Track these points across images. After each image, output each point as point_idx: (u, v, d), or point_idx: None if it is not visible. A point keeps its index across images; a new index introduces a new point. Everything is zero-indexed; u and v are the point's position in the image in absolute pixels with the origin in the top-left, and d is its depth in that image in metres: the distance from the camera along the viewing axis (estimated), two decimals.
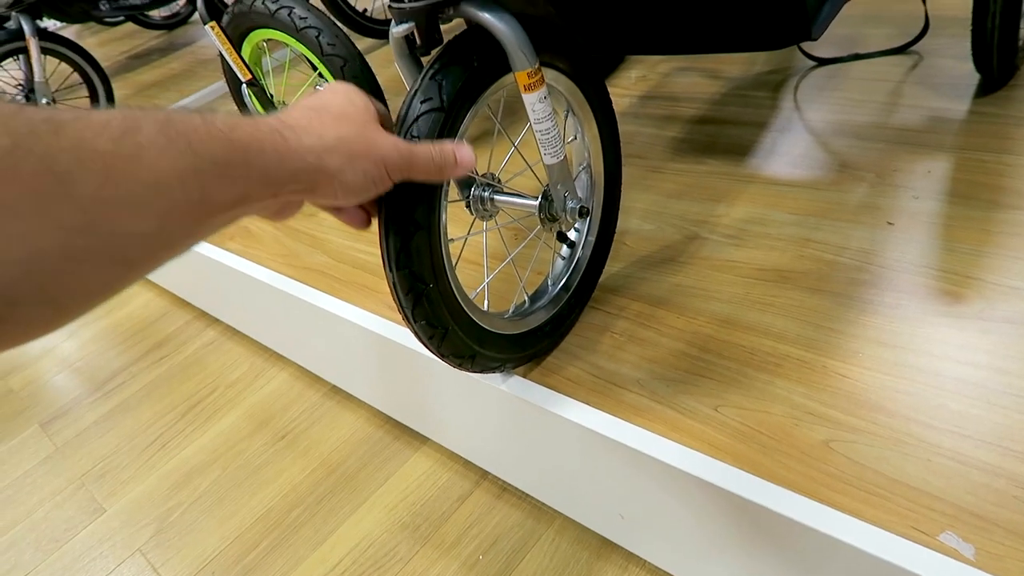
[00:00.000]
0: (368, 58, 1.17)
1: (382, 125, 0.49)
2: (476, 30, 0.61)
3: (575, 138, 0.79)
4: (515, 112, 0.72)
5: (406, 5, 0.60)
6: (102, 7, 2.40)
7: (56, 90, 1.99)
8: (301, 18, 1.12)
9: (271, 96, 1.31)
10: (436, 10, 0.60)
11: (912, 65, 1.17)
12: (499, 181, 0.70)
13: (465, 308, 0.66)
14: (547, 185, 0.71)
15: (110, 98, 2.12)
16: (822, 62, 1.26)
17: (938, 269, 0.77)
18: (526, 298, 0.81)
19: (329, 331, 1.01)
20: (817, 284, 0.80)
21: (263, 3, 1.15)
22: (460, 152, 0.52)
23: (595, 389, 0.75)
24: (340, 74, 1.14)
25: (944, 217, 0.84)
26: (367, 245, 1.12)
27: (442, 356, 0.67)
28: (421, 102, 0.58)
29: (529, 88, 0.63)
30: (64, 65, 2.03)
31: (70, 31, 3.68)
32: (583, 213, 0.73)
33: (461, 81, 0.59)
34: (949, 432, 0.61)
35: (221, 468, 1.04)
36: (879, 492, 0.58)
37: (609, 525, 0.78)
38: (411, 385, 0.92)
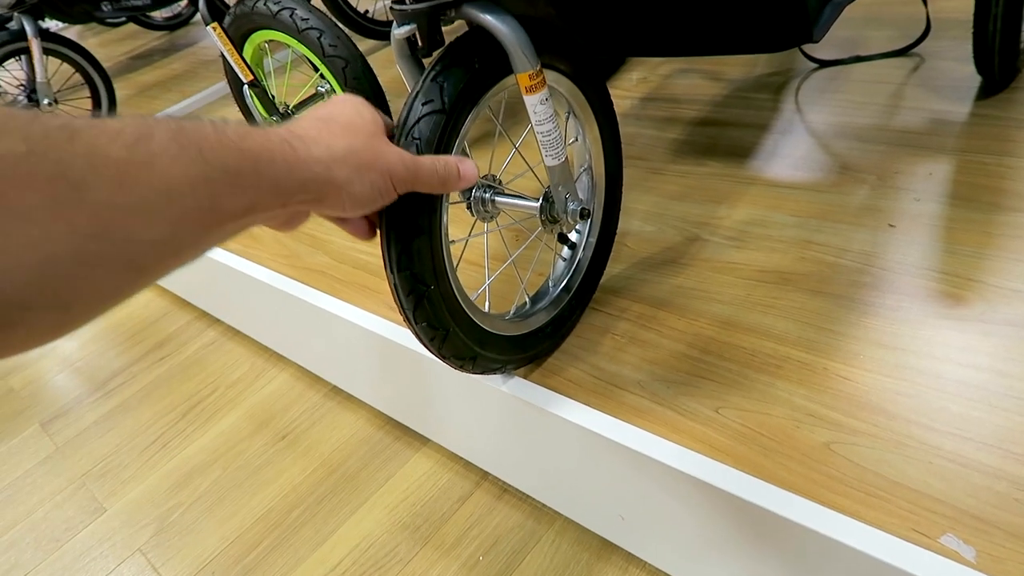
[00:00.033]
0: (370, 59, 1.17)
1: (388, 136, 0.50)
2: (477, 32, 0.62)
3: (576, 140, 0.80)
4: (516, 113, 0.72)
5: (408, 7, 0.60)
6: (104, 8, 2.40)
7: (58, 91, 2.00)
8: (303, 19, 1.13)
9: (272, 97, 1.31)
10: (438, 12, 0.60)
11: (913, 67, 1.17)
12: (500, 183, 0.70)
13: (466, 309, 0.66)
14: (548, 187, 0.71)
15: (112, 99, 2.13)
16: (823, 64, 1.26)
17: (939, 271, 0.77)
18: (527, 299, 0.81)
19: (330, 332, 1.01)
20: (818, 286, 0.80)
21: (265, 4, 1.15)
22: (463, 167, 0.53)
23: (596, 390, 0.75)
24: (341, 75, 1.14)
25: (945, 219, 0.84)
26: (368, 246, 1.12)
27: (443, 358, 0.67)
28: (423, 104, 0.58)
29: (531, 90, 0.63)
30: (66, 66, 2.03)
31: (72, 32, 3.68)
32: (584, 215, 0.73)
33: (463, 83, 0.59)
34: (950, 434, 0.61)
35: (221, 468, 1.04)
36: (880, 494, 0.58)
37: (609, 526, 0.78)
38: (412, 386, 0.92)
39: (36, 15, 1.90)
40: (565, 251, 0.84)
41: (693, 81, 1.34)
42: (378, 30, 2.08)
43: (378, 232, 0.58)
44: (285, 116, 1.32)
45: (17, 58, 1.93)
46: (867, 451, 0.62)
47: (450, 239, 0.63)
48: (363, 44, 2.05)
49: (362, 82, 1.15)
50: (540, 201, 0.70)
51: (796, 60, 1.30)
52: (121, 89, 2.39)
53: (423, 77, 0.60)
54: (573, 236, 0.83)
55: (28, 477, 1.12)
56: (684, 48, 0.99)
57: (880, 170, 0.95)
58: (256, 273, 1.11)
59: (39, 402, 1.29)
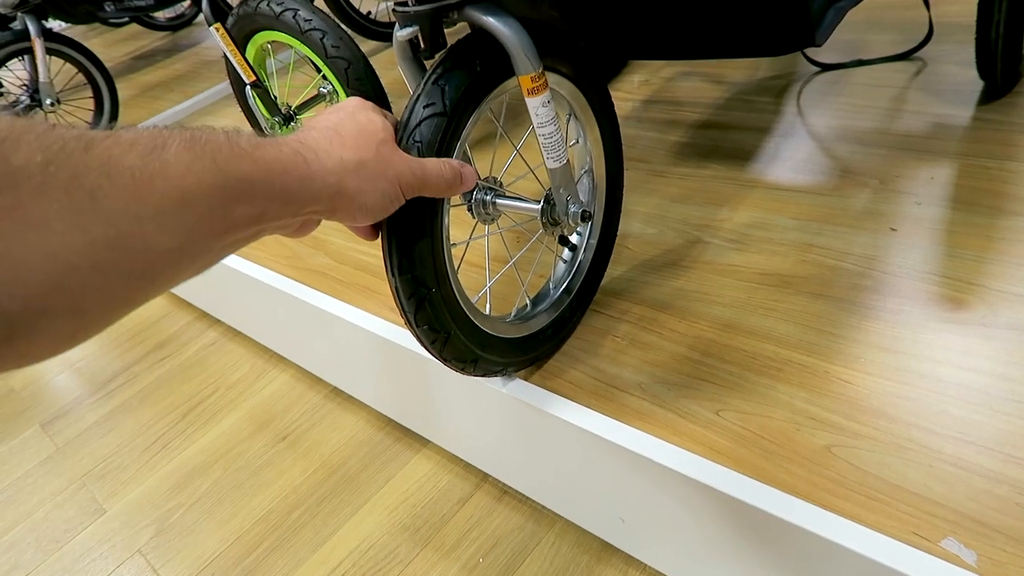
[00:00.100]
0: (372, 60, 1.17)
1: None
2: (480, 34, 0.62)
3: (577, 142, 0.80)
4: (517, 115, 0.72)
5: (410, 9, 0.60)
6: (107, 8, 2.41)
7: (61, 91, 2.00)
8: (306, 20, 1.13)
9: (275, 98, 1.31)
10: (440, 14, 0.60)
11: (916, 71, 1.17)
12: (501, 185, 0.70)
13: (467, 312, 0.66)
14: (549, 189, 0.71)
15: (114, 99, 2.13)
16: (825, 68, 1.26)
17: (941, 275, 0.77)
18: (528, 301, 0.81)
19: (330, 333, 1.01)
20: (819, 289, 0.80)
21: (268, 5, 1.15)
22: (464, 170, 0.55)
23: (596, 392, 0.75)
24: (344, 76, 1.14)
25: (947, 223, 0.84)
26: (369, 247, 1.12)
27: (444, 360, 0.67)
28: (424, 107, 0.58)
29: (532, 92, 0.63)
30: (69, 66, 2.03)
31: (75, 32, 3.69)
32: (585, 217, 0.73)
33: (464, 86, 0.59)
34: (951, 438, 0.61)
35: (222, 469, 1.04)
36: (880, 497, 0.58)
37: (610, 529, 0.78)
38: (412, 387, 0.92)
39: (39, 15, 1.91)
40: (566, 253, 0.84)
41: (695, 84, 1.34)
42: (380, 31, 2.09)
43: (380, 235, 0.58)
44: (287, 117, 1.33)
45: (20, 58, 1.93)
46: (868, 454, 0.61)
47: (451, 242, 0.63)
48: (365, 45, 2.05)
49: (364, 83, 1.15)
50: (541, 203, 0.70)
51: (798, 63, 1.30)
52: (124, 89, 2.39)
53: (425, 79, 0.60)
54: (574, 238, 0.83)
55: (28, 478, 1.12)
56: (686, 51, 0.99)
57: (882, 174, 0.95)
58: (257, 274, 1.11)
59: (39, 402, 1.29)
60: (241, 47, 1.27)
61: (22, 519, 1.05)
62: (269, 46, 1.30)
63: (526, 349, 0.76)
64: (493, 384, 0.76)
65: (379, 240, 0.59)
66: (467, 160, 0.67)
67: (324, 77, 1.22)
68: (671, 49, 0.99)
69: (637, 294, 0.87)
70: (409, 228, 0.57)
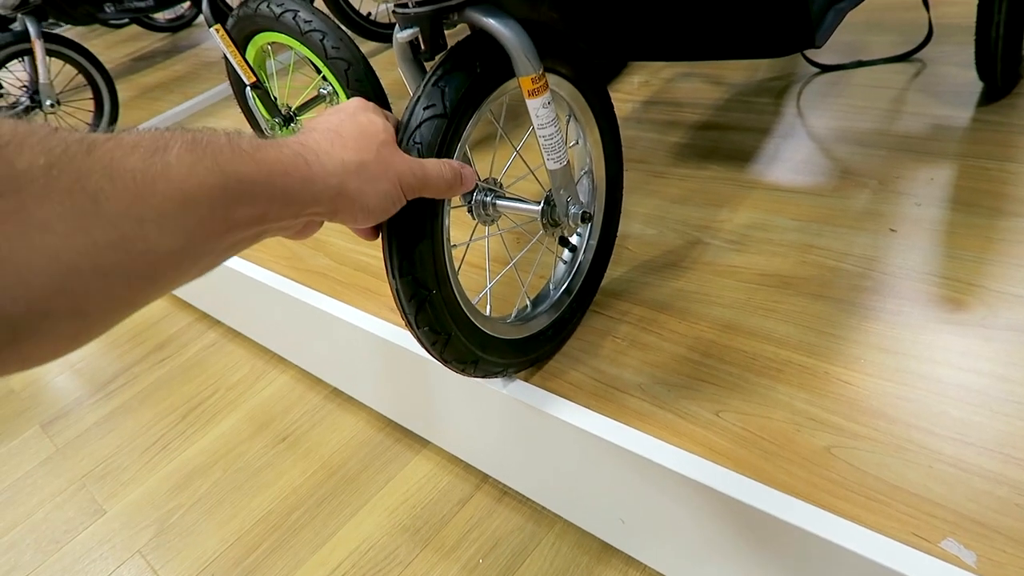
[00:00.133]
0: (372, 62, 1.17)
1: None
2: (480, 35, 0.62)
3: (577, 143, 0.80)
4: (517, 116, 0.72)
5: (410, 10, 0.60)
6: (107, 9, 2.41)
7: (60, 92, 2.00)
8: (306, 21, 1.13)
9: (275, 99, 1.31)
10: (440, 15, 0.60)
11: (915, 72, 1.17)
12: (501, 186, 0.70)
13: (468, 313, 0.66)
14: (549, 190, 0.71)
15: (114, 100, 2.13)
16: (825, 69, 1.26)
17: (941, 276, 0.77)
18: (528, 302, 0.81)
19: (330, 334, 1.01)
20: (819, 290, 0.80)
21: (268, 6, 1.16)
22: (464, 171, 0.55)
23: (596, 393, 0.75)
24: (344, 77, 1.14)
25: (947, 224, 0.84)
26: (369, 248, 1.12)
27: (445, 362, 0.67)
28: (424, 108, 0.58)
29: (533, 93, 0.63)
30: (69, 67, 2.03)
31: (75, 33, 3.69)
32: (585, 218, 0.73)
33: (464, 87, 0.59)
34: (951, 439, 0.61)
35: (222, 470, 1.04)
36: (880, 498, 0.58)
37: (610, 529, 0.78)
38: (412, 388, 0.92)
39: (39, 16, 1.91)
40: (566, 254, 0.84)
41: (694, 85, 1.34)
42: (380, 32, 2.09)
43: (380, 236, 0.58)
44: (287, 118, 1.33)
45: (20, 59, 1.93)
46: (868, 455, 0.61)
47: (452, 243, 0.63)
48: (365, 46, 2.05)
49: (364, 84, 1.15)
50: (541, 204, 0.70)
51: (798, 64, 1.30)
52: (124, 91, 2.39)
53: (425, 81, 0.60)
54: (574, 239, 0.83)
55: (28, 478, 1.12)
56: (686, 52, 0.99)
57: (881, 175, 0.96)
58: (257, 275, 1.11)
59: (39, 403, 1.29)
60: (241, 48, 1.27)
61: (22, 520, 1.05)
62: (269, 47, 1.30)
63: (526, 350, 0.76)
64: (493, 385, 0.76)
65: (379, 241, 0.59)
66: (467, 161, 0.67)
67: (324, 78, 1.22)
68: (671, 50, 0.99)
69: (637, 295, 0.87)
70: (410, 230, 0.57)
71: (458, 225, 0.65)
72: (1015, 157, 0.91)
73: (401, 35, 0.62)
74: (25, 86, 1.98)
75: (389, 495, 0.93)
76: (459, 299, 0.65)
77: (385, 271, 0.60)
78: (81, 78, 2.08)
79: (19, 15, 1.88)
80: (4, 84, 2.13)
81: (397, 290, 0.60)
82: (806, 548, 0.57)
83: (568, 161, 0.69)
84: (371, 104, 0.52)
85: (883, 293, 0.77)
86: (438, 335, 0.64)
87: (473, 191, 0.68)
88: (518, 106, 0.67)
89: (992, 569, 0.52)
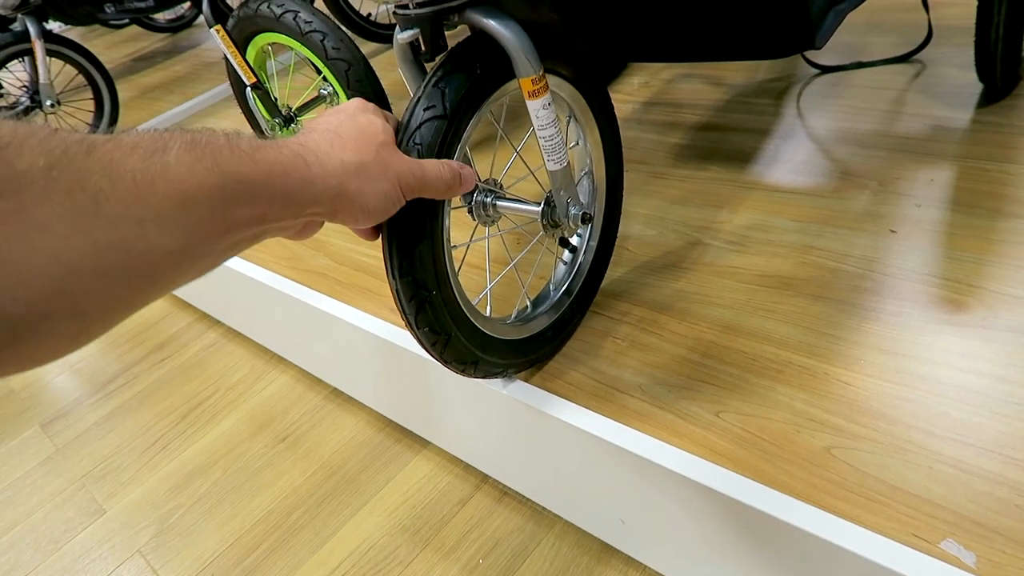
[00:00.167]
0: (372, 62, 1.18)
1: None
2: (480, 36, 0.62)
3: (577, 144, 0.80)
4: (518, 117, 0.72)
5: (411, 11, 0.60)
6: (107, 10, 2.41)
7: (61, 92, 2.00)
8: (306, 22, 1.13)
9: (275, 99, 1.31)
10: (441, 16, 0.60)
11: (915, 74, 1.17)
12: (501, 187, 0.70)
13: (468, 314, 0.66)
14: (550, 191, 0.71)
15: (114, 101, 2.13)
16: (825, 70, 1.26)
17: (940, 277, 0.77)
18: (528, 303, 0.81)
19: (331, 334, 1.01)
20: (819, 291, 0.80)
21: (268, 7, 1.16)
22: (464, 172, 0.55)
23: (597, 394, 0.75)
24: (344, 78, 1.15)
25: (947, 225, 0.84)
26: (369, 248, 1.12)
27: (445, 362, 0.67)
28: (424, 109, 0.58)
29: (533, 95, 0.63)
30: (69, 67, 2.03)
31: (75, 33, 3.69)
32: (585, 219, 0.73)
33: (464, 88, 0.60)
34: (951, 440, 0.61)
35: (221, 470, 1.04)
36: (880, 499, 0.58)
37: (610, 530, 0.78)
38: (412, 388, 0.92)
39: (40, 16, 1.91)
40: (566, 255, 0.84)
41: (695, 86, 1.34)
42: (381, 33, 2.09)
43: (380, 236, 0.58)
44: (288, 119, 1.33)
45: (20, 59, 1.93)
46: (867, 456, 0.62)
47: (452, 244, 0.63)
48: (366, 47, 2.05)
49: (365, 85, 1.15)
50: (541, 205, 0.71)
51: (798, 65, 1.30)
52: (124, 91, 2.39)
53: (425, 82, 0.60)
54: (574, 240, 0.83)
55: (28, 478, 1.12)
56: (686, 53, 0.99)
57: (881, 176, 0.96)
58: (257, 275, 1.11)
59: (39, 403, 1.29)
60: (242, 49, 1.27)
61: (22, 519, 1.05)
62: (270, 48, 1.30)
63: (526, 351, 0.76)
64: (493, 385, 0.76)
65: (380, 242, 0.59)
66: (468, 162, 0.67)
67: (324, 79, 1.22)
68: (671, 51, 0.99)
69: (637, 296, 0.87)
70: (410, 230, 0.58)
71: (459, 226, 0.65)
72: (1015, 158, 0.92)
73: (401, 36, 0.62)
74: (25, 86, 1.98)
75: (389, 495, 0.93)
76: (459, 300, 0.65)
77: (385, 271, 0.60)
78: (81, 78, 2.08)
79: (19, 15, 1.88)
80: (4, 84, 2.13)
81: (397, 290, 0.60)
82: (806, 549, 0.57)
83: (568, 162, 0.69)
84: (371, 105, 0.52)
85: (883, 294, 0.77)
86: (438, 336, 0.64)
87: (473, 192, 0.68)
88: (518, 107, 0.67)
89: (992, 570, 0.52)
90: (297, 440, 1.06)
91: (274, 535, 0.92)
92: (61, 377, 1.35)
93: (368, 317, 0.93)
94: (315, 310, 1.00)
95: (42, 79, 1.91)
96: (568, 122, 0.77)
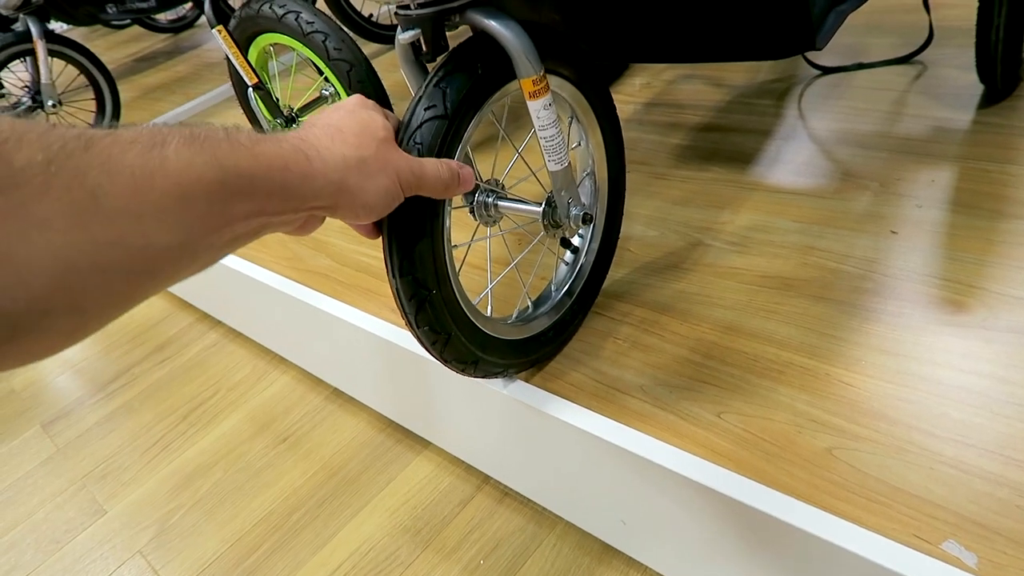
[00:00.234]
0: (374, 63, 1.18)
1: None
2: (481, 37, 0.62)
3: (579, 144, 0.80)
4: (519, 118, 0.72)
5: (412, 12, 0.60)
6: (109, 10, 2.41)
7: (62, 92, 2.00)
8: (308, 23, 1.13)
9: (277, 100, 1.31)
10: (442, 17, 0.60)
11: (916, 75, 1.17)
12: (503, 187, 0.70)
13: (468, 314, 0.66)
14: (551, 191, 0.71)
15: (116, 101, 2.13)
16: (826, 71, 1.26)
17: (942, 278, 0.77)
18: (529, 303, 0.81)
19: (331, 334, 1.01)
20: (821, 292, 0.80)
21: (270, 8, 1.16)
22: (463, 172, 0.55)
23: (598, 394, 0.75)
24: (346, 79, 1.15)
25: (948, 226, 0.84)
26: (370, 248, 1.12)
27: (445, 361, 0.67)
28: (425, 109, 0.58)
29: (534, 95, 0.63)
30: (71, 68, 2.04)
31: (77, 34, 3.70)
32: (587, 219, 0.73)
33: (466, 88, 0.60)
34: (952, 441, 0.61)
35: (222, 471, 1.04)
36: (881, 500, 0.58)
37: (611, 531, 0.78)
38: (413, 389, 0.92)
39: (42, 17, 1.91)
40: (568, 255, 0.84)
41: (696, 87, 1.34)
42: (382, 34, 2.09)
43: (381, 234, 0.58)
44: (289, 119, 1.33)
45: (22, 59, 1.93)
46: (869, 457, 0.62)
47: (452, 243, 0.64)
48: (367, 48, 2.05)
49: (366, 85, 1.15)
50: (543, 206, 0.71)
51: (799, 66, 1.30)
52: (125, 91, 2.39)
53: (426, 82, 0.60)
54: (576, 240, 0.83)
55: (29, 478, 1.12)
56: (688, 54, 0.99)
57: (882, 177, 0.96)
58: (258, 275, 1.11)
59: (40, 403, 1.29)
60: (243, 49, 1.27)
61: (22, 520, 1.05)
62: (271, 48, 1.30)
63: (527, 351, 0.76)
64: (494, 386, 0.76)
65: (380, 241, 0.59)
66: (468, 162, 0.67)
67: (326, 79, 1.23)
68: (672, 52, 0.99)
69: (638, 296, 0.87)
70: (410, 229, 0.58)
71: (460, 226, 0.65)
72: (1016, 159, 0.92)
73: (403, 36, 0.62)
74: (27, 86, 1.98)
75: (390, 496, 0.93)
76: (459, 299, 0.65)
77: (385, 271, 0.60)
78: (83, 79, 2.08)
79: (21, 15, 1.88)
80: (6, 84, 2.13)
81: (397, 289, 0.60)
82: (807, 549, 0.57)
83: (569, 163, 0.69)
84: (370, 101, 0.52)
85: (884, 295, 0.77)
86: (438, 335, 0.64)
87: (475, 192, 0.69)
88: (520, 108, 0.67)
89: (993, 571, 0.52)
90: (298, 441, 1.06)
91: (275, 536, 0.92)
92: (62, 377, 1.35)
93: (369, 317, 0.93)
94: (316, 310, 1.00)
95: (44, 79, 1.91)
96: (570, 123, 0.77)
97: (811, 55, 1.29)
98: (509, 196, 0.70)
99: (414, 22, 0.61)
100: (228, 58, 1.28)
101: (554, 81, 0.69)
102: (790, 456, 0.63)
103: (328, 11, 1.93)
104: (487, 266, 0.88)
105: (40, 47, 1.88)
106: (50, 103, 1.93)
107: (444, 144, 0.58)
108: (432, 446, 0.98)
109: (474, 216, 0.70)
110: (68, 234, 0.29)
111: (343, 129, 0.46)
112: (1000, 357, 0.67)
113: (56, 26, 3.08)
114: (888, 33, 1.30)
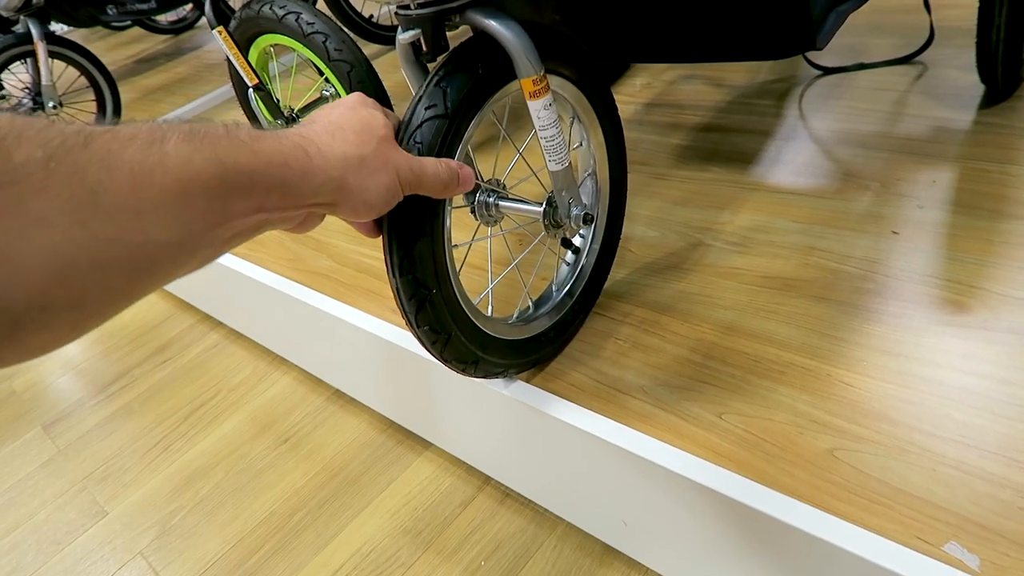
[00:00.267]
0: (374, 63, 1.18)
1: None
2: (482, 37, 0.62)
3: (580, 144, 0.80)
4: (520, 118, 0.72)
5: (413, 12, 0.60)
6: (109, 12, 2.41)
7: (63, 94, 2.00)
8: (308, 23, 1.13)
9: (277, 101, 1.31)
10: (442, 17, 0.60)
11: (917, 75, 1.17)
12: (504, 187, 0.70)
13: (468, 313, 0.66)
14: (552, 191, 0.71)
15: (116, 102, 2.13)
16: (827, 71, 1.26)
17: (943, 279, 0.77)
18: (530, 304, 0.81)
19: (333, 335, 1.01)
20: (822, 292, 0.80)
21: (270, 8, 1.16)
22: (463, 172, 0.55)
23: (598, 395, 0.75)
24: (346, 79, 1.15)
25: (948, 227, 0.84)
26: (371, 249, 1.12)
27: (445, 361, 0.67)
28: (425, 108, 0.58)
29: (534, 95, 0.63)
30: (71, 69, 2.04)
31: (77, 35, 3.70)
32: (588, 220, 0.73)
33: (466, 88, 0.60)
34: (953, 442, 0.61)
35: (223, 472, 1.04)
36: (883, 501, 0.58)
37: (612, 532, 0.78)
38: (414, 390, 0.92)
39: (42, 18, 1.91)
40: (569, 256, 0.84)
41: (696, 87, 1.34)
42: (383, 35, 2.09)
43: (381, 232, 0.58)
44: (290, 120, 1.33)
45: (23, 61, 1.94)
46: (870, 458, 0.61)
47: (453, 243, 0.63)
48: (368, 48, 2.05)
49: (367, 86, 1.15)
50: (543, 206, 0.71)
51: (799, 67, 1.30)
52: (126, 93, 2.39)
53: (426, 81, 0.60)
54: (577, 240, 0.83)
55: (30, 480, 1.12)
56: (688, 54, 0.99)
57: (883, 177, 0.96)
58: (259, 276, 1.11)
59: (41, 405, 1.29)
60: (244, 50, 1.27)
61: (23, 521, 1.05)
62: (272, 49, 1.30)
63: (528, 351, 0.76)
64: (495, 387, 0.76)
65: (381, 242, 0.59)
66: (469, 162, 0.67)
67: (327, 80, 1.23)
68: (673, 52, 0.99)
69: (639, 297, 0.87)
70: (410, 229, 0.58)
71: (460, 226, 0.65)
72: (1016, 160, 0.91)
73: (403, 36, 0.62)
74: (28, 88, 1.99)
75: (391, 497, 0.93)
76: (460, 299, 0.65)
77: (386, 270, 0.60)
78: (84, 80, 2.08)
79: (22, 17, 1.88)
80: (7, 86, 2.13)
81: (397, 289, 0.60)
82: (808, 551, 0.57)
83: (570, 163, 0.69)
84: (371, 99, 0.52)
85: (885, 295, 0.77)
86: (438, 334, 0.64)
87: (476, 192, 0.68)
88: (521, 108, 0.67)
89: (995, 573, 0.52)
90: (299, 442, 1.06)
91: (276, 537, 0.92)
92: (63, 379, 1.35)
93: (370, 318, 0.93)
94: (317, 311, 1.00)
95: (44, 81, 1.91)
96: (572, 123, 0.77)
97: (812, 55, 1.29)
98: (510, 196, 0.70)
99: (414, 22, 0.61)
100: (229, 59, 1.28)
101: (555, 81, 0.69)
102: (791, 457, 0.63)
103: (328, 12, 1.94)
104: (488, 266, 0.88)
105: (41, 49, 1.89)
106: (51, 104, 1.93)
107: (444, 143, 0.58)
108: (433, 447, 0.98)
109: (475, 216, 0.70)
110: (67, 230, 0.29)
111: (344, 126, 0.46)
112: (1001, 358, 0.67)
113: (57, 28, 3.09)
114: (889, 33, 1.30)
